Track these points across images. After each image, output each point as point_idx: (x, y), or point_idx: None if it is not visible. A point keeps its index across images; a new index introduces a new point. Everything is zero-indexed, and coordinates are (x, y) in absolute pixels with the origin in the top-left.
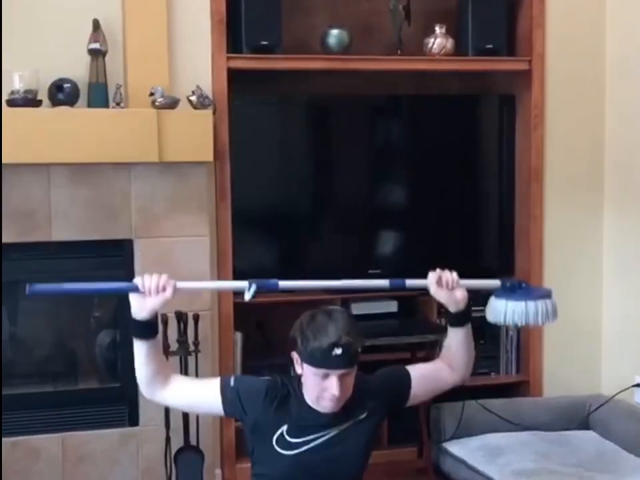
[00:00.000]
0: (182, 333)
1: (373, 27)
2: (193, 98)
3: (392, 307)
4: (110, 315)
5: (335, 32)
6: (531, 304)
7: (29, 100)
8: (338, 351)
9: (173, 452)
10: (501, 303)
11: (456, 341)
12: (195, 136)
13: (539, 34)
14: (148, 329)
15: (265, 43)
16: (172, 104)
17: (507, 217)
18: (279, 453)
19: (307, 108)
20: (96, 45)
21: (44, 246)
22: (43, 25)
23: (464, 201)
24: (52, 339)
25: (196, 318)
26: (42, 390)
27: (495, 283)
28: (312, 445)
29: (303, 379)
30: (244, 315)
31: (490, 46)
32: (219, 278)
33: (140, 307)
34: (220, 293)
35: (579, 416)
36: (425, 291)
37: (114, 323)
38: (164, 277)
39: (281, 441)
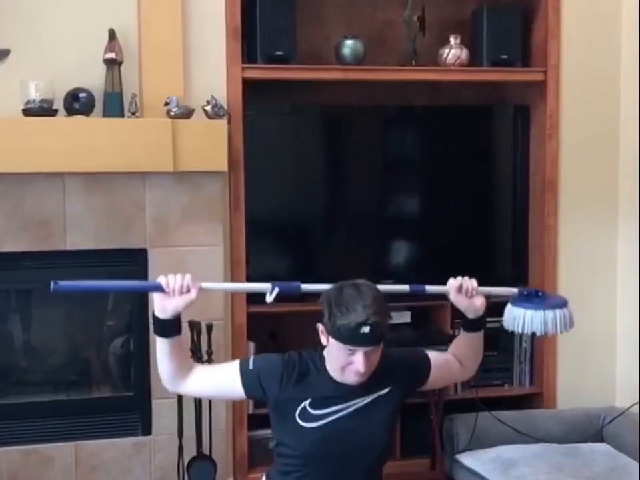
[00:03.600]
0: (195, 343)
1: (387, 38)
2: (208, 108)
3: (405, 317)
4: (123, 323)
5: (349, 42)
6: (549, 313)
7: (44, 109)
8: (366, 329)
9: (186, 461)
10: (519, 311)
11: (469, 344)
12: (210, 145)
13: (554, 45)
14: (171, 327)
15: (279, 53)
16: (187, 114)
17: (520, 228)
18: (302, 427)
19: (320, 118)
20: (111, 55)
21: (58, 255)
22: (58, 35)
23: (477, 211)
24: (65, 347)
25: (209, 327)
26: (55, 398)
27: (512, 290)
28: (335, 417)
29: (327, 350)
30: (257, 325)
31: (504, 57)
32: None
33: (162, 307)
34: (233, 303)
35: (592, 428)
36: (440, 299)
37: (127, 331)
38: (188, 277)
39: (304, 415)
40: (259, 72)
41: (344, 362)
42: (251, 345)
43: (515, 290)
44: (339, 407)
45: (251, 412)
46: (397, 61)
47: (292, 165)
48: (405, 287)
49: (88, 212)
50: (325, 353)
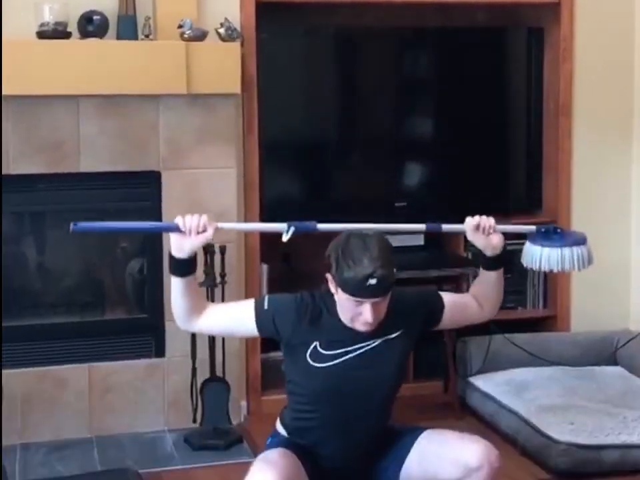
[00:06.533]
0: (209, 264)
1: None
2: (221, 30)
3: (419, 239)
4: (137, 245)
5: None
6: (567, 250)
7: (58, 32)
8: (372, 282)
9: (199, 383)
10: (537, 248)
11: (488, 283)
12: (223, 68)
13: None
14: (186, 266)
15: None
16: (200, 36)
17: (534, 151)
18: (313, 366)
19: (334, 40)
20: None
21: (72, 177)
22: None
23: (491, 134)
24: (79, 269)
25: (222, 249)
26: (69, 320)
27: (530, 228)
28: (345, 358)
29: (336, 298)
30: (270, 247)
31: None
32: (246, 210)
33: (179, 247)
34: None
35: (606, 351)
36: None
37: (141, 253)
38: (204, 217)
39: (315, 355)
40: None
41: (352, 312)
42: (264, 267)
43: (533, 228)
44: (349, 348)
45: None
46: None
47: (305, 87)
48: (422, 226)
49: (102, 134)
50: (336, 297)
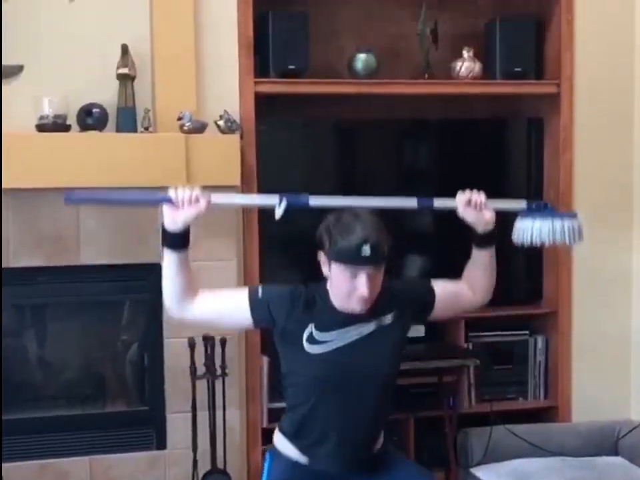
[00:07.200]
0: (209, 357)
1: (400, 51)
2: (221, 122)
3: (419, 331)
4: (138, 337)
5: (362, 56)
6: (558, 222)
7: (58, 125)
8: (366, 249)
9: (200, 475)
10: (528, 222)
11: (480, 263)
12: (223, 160)
13: (568, 57)
14: (180, 240)
15: (292, 67)
16: (200, 128)
17: None
18: (308, 352)
19: (333, 132)
20: (124, 70)
21: (73, 269)
22: (71, 50)
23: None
24: (80, 361)
25: (223, 342)
26: (70, 413)
27: (520, 203)
28: (340, 343)
29: (329, 282)
30: (270, 339)
31: (518, 69)
32: None
33: (172, 219)
34: None
35: (607, 442)
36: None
37: (142, 346)
38: (197, 189)
39: (311, 339)
40: (272, 86)
41: (347, 288)
42: (265, 360)
43: (523, 203)
44: (344, 332)
45: (265, 426)
46: (410, 74)
47: (305, 179)
48: (413, 201)
49: (102, 227)
50: (328, 285)
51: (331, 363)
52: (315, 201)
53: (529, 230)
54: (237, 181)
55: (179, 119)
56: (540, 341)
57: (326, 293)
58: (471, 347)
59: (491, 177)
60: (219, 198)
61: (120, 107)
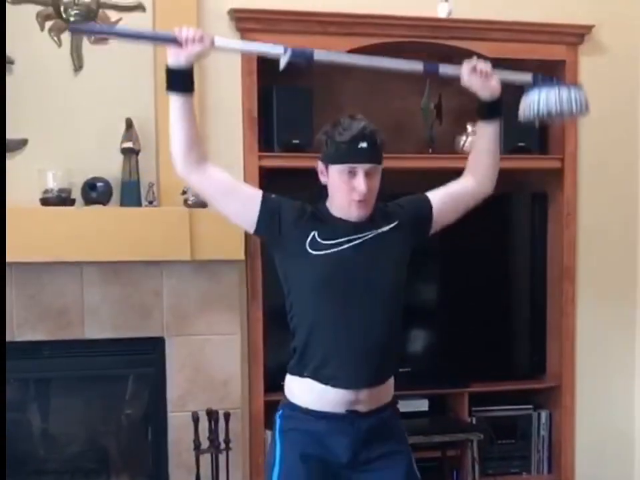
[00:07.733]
0: (213, 431)
1: (404, 125)
2: None
3: (423, 405)
4: (141, 412)
5: None
6: (564, 90)
7: (62, 199)
8: (363, 144)
9: None
10: (534, 93)
11: (485, 140)
12: (227, 234)
13: (571, 132)
14: (183, 79)
15: (296, 141)
16: (204, 202)
17: (539, 315)
18: (311, 254)
19: None
20: (129, 144)
21: (77, 344)
22: (76, 125)
23: (496, 299)
24: (84, 436)
25: (227, 416)
26: None
27: (527, 77)
28: (343, 247)
29: (329, 190)
30: (274, 413)
31: (522, 144)
32: (250, 376)
33: (176, 56)
34: (250, 391)
35: None
36: (457, 387)
37: (145, 420)
38: (200, 30)
39: (313, 243)
40: (276, 160)
41: (346, 188)
42: (269, 433)
43: (529, 76)
44: (346, 238)
45: None
46: (414, 148)
47: None
48: (420, 66)
49: (106, 301)
50: (328, 203)
51: (333, 263)
52: (320, 54)
53: (536, 100)
54: (240, 255)
55: (183, 192)
56: (543, 415)
57: (326, 209)
58: (474, 421)
59: (495, 252)
60: (222, 41)
61: (124, 180)
